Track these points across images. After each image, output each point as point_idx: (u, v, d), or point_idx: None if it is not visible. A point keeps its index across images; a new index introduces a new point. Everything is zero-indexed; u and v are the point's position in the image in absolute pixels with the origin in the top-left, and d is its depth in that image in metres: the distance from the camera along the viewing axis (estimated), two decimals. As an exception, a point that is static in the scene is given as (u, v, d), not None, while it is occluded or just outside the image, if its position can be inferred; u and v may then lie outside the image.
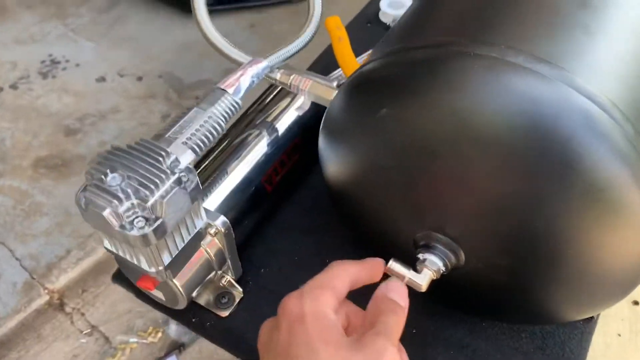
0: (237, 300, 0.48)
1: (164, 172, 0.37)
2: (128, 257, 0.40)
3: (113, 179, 0.36)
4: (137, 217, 0.36)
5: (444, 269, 0.36)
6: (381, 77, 0.37)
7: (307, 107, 0.52)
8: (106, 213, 0.35)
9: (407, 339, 0.33)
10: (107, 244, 0.41)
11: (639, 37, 0.36)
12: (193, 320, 0.48)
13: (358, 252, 0.39)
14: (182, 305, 0.45)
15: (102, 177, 0.36)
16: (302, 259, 0.51)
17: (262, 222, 0.52)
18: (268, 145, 0.51)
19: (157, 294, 0.46)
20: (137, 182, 0.36)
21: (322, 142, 0.43)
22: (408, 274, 0.35)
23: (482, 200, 0.34)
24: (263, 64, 0.47)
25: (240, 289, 0.48)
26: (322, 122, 0.42)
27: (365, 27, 0.80)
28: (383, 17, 0.77)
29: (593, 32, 0.34)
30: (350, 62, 0.57)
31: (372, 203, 0.41)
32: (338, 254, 0.38)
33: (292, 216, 0.54)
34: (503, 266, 0.37)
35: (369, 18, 0.80)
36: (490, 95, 0.32)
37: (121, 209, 0.35)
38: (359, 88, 0.39)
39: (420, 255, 0.36)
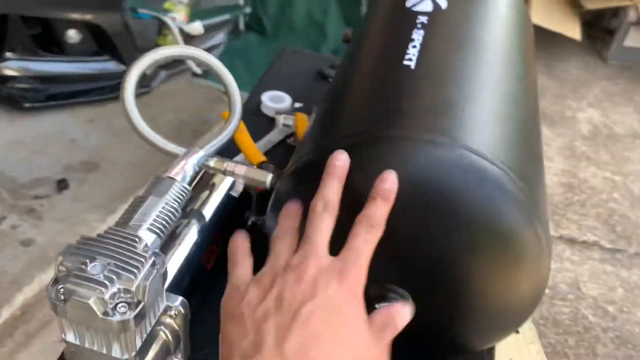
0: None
1: (141, 256, 0.39)
2: (98, 348, 0.40)
3: (94, 267, 0.37)
4: (120, 303, 0.38)
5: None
6: (322, 163, 0.45)
7: (240, 190, 0.57)
8: (92, 301, 0.36)
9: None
10: (70, 337, 0.40)
11: (514, 103, 0.49)
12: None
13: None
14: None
15: (82, 266, 0.37)
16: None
17: (202, 302, 0.54)
18: (199, 231, 0.54)
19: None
20: (118, 267, 0.38)
21: (270, 220, 0.48)
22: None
23: (412, 253, 0.43)
24: (200, 153, 0.52)
25: (190, 374, 0.49)
26: (270, 203, 0.48)
27: (250, 119, 0.88)
28: (265, 110, 0.86)
29: (479, 103, 0.47)
30: (251, 149, 0.64)
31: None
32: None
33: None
34: (432, 305, 0.45)
35: (252, 110, 0.89)
36: (406, 166, 0.41)
37: (107, 296, 0.37)
38: (303, 174, 0.46)
39: (377, 305, 0.43)
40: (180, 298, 0.46)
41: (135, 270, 0.38)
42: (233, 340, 0.36)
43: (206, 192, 0.58)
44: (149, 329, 0.42)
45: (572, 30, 2.78)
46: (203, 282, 0.53)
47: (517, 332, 0.63)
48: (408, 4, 0.60)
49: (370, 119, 0.46)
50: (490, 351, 0.55)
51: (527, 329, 0.61)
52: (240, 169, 0.53)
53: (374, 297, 0.44)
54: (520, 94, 0.53)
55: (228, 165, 0.53)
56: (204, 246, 0.54)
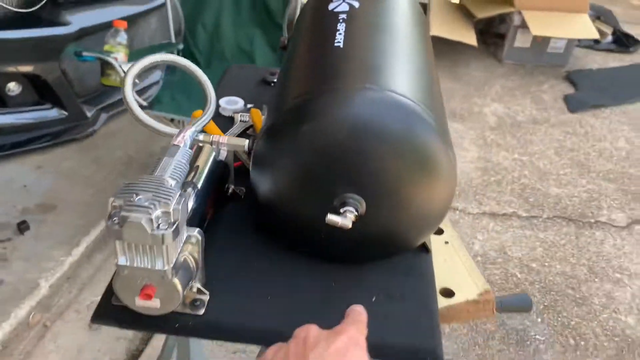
0: (206, 301, 0.64)
1: (172, 189, 0.54)
2: (144, 264, 0.55)
3: (139, 200, 0.52)
4: (161, 223, 0.53)
5: (357, 212, 0.60)
6: (291, 118, 0.62)
7: (224, 156, 0.72)
8: (144, 221, 0.51)
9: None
10: (122, 260, 0.55)
11: (420, 63, 0.69)
12: (177, 325, 0.62)
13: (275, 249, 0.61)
14: (176, 303, 0.59)
15: (130, 199, 0.52)
16: (242, 261, 0.69)
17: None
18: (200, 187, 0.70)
19: (152, 304, 0.59)
20: (156, 198, 0.53)
21: (254, 173, 0.64)
22: (339, 218, 0.58)
23: (362, 171, 0.60)
24: (192, 128, 0.68)
25: (207, 293, 0.64)
26: (251, 161, 0.64)
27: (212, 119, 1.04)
28: (223, 112, 1.02)
29: (395, 64, 0.66)
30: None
31: (297, 198, 0.64)
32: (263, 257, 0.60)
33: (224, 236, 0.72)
34: (380, 211, 0.62)
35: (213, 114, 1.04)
36: (348, 106, 0.59)
37: (153, 216, 0.52)
38: (269, 134, 0.63)
39: (342, 209, 0.60)
40: (197, 229, 0.61)
41: (170, 198, 0.53)
42: None
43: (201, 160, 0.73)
44: (181, 245, 0.57)
45: (469, 38, 3.13)
46: (206, 228, 0.68)
47: (447, 242, 0.82)
48: (330, 7, 0.80)
49: (315, 82, 0.64)
50: (428, 252, 0.73)
51: (455, 240, 0.80)
52: (224, 139, 0.69)
53: (338, 205, 0.61)
54: (422, 58, 0.73)
55: (213, 137, 0.69)
56: (205, 197, 0.69)
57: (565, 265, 1.89)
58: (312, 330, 0.44)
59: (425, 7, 3.31)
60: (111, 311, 0.62)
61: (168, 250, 0.54)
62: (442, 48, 3.26)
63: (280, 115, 0.64)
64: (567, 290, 1.80)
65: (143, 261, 0.55)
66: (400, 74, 0.66)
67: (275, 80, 1.09)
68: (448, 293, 0.73)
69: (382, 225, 0.64)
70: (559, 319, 1.69)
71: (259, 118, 0.92)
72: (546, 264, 1.89)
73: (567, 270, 1.87)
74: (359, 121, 0.59)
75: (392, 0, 0.84)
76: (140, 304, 0.58)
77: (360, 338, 0.45)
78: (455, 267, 0.76)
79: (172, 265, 0.55)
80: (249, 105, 1.00)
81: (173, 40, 1.91)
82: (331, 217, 0.58)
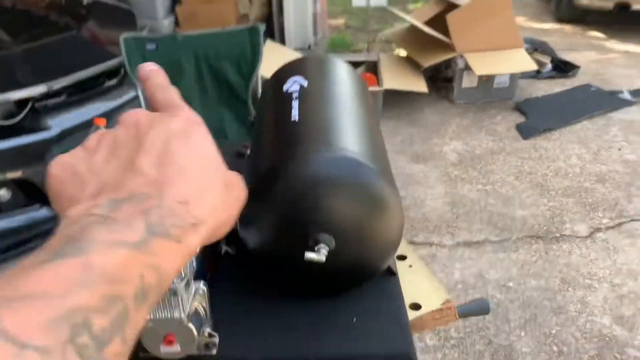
0: (217, 342, 0.76)
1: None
2: (163, 315, 0.68)
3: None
4: (175, 279, 0.66)
5: (328, 248, 0.75)
6: (266, 181, 0.77)
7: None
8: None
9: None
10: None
11: (363, 125, 0.85)
12: (196, 365, 0.74)
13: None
14: (193, 346, 0.72)
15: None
16: (241, 304, 0.83)
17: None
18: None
19: (174, 349, 0.72)
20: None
21: (242, 231, 0.79)
22: (315, 255, 0.72)
23: (327, 214, 0.76)
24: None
25: (217, 335, 0.77)
26: (238, 221, 0.79)
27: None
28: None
29: (343, 128, 0.82)
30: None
31: (279, 244, 0.78)
32: (258, 298, 0.74)
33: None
34: (347, 244, 0.77)
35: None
36: (309, 166, 0.75)
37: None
38: (255, 191, 0.78)
39: (316, 247, 0.74)
40: (202, 281, 0.74)
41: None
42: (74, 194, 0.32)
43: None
44: (192, 296, 0.70)
45: (420, 86, 3.38)
46: (209, 282, 0.82)
47: (411, 266, 0.96)
48: (284, 89, 0.97)
49: (281, 150, 0.80)
50: (394, 275, 0.87)
51: (417, 262, 0.94)
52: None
53: (313, 244, 0.75)
54: (364, 119, 0.90)
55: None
56: (203, 256, 0.83)
57: (540, 279, 2.04)
58: (141, 114, 0.35)
59: (375, 65, 3.59)
60: (139, 363, 0.74)
61: (182, 301, 0.68)
62: (397, 98, 3.51)
63: (257, 180, 0.79)
64: (544, 302, 1.94)
65: (163, 313, 0.68)
66: (347, 135, 0.83)
67: (249, 151, 1.25)
68: (416, 306, 0.87)
69: (350, 256, 0.79)
70: (541, 329, 1.82)
71: (239, 186, 1.07)
72: (522, 281, 2.03)
73: (541, 284, 2.01)
74: (319, 177, 0.74)
75: (335, 75, 1.02)
76: (164, 350, 0.71)
77: (197, 117, 0.36)
78: (420, 285, 0.90)
79: (186, 313, 0.69)
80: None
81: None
82: (308, 255, 0.73)
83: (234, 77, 2.15)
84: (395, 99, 3.52)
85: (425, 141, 3.12)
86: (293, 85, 0.97)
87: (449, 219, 2.41)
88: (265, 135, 0.92)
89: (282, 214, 0.76)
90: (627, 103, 3.49)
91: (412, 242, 2.25)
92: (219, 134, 2.12)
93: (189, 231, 0.30)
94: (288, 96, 0.94)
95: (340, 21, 5.80)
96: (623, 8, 4.76)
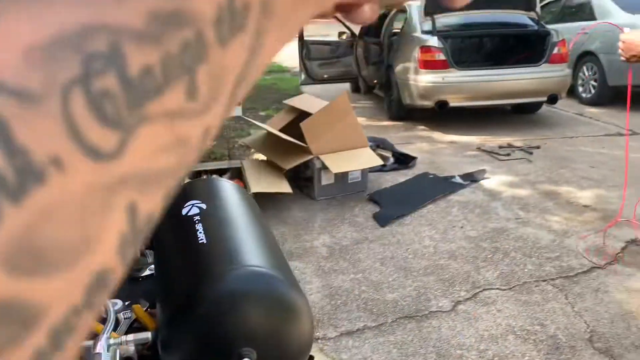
0: None
1: None
2: None
3: None
4: None
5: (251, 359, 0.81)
6: (184, 307, 0.83)
7: (131, 352, 0.88)
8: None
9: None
10: None
11: (261, 239, 0.95)
12: None
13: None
14: None
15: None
16: None
17: None
18: None
19: None
20: None
21: (164, 356, 0.82)
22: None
23: (248, 327, 0.83)
24: (104, 335, 0.83)
25: None
26: (160, 348, 0.82)
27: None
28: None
29: (245, 244, 0.91)
30: None
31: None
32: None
33: None
34: (268, 351, 0.84)
35: None
36: (221, 283, 0.83)
37: None
38: (175, 317, 0.83)
39: (242, 361, 0.80)
40: None
41: None
42: None
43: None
44: None
45: (284, 187, 3.59)
46: None
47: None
48: (184, 212, 1.05)
49: (195, 273, 0.87)
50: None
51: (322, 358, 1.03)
52: (130, 337, 0.86)
53: (237, 356, 0.81)
54: (261, 232, 1.00)
55: (122, 338, 0.86)
56: None
57: (418, 357, 2.20)
58: None
59: (240, 171, 3.75)
60: None
61: None
62: (265, 200, 3.66)
63: (174, 306, 0.84)
64: (426, 377, 2.09)
65: None
66: (251, 250, 0.92)
67: (142, 274, 1.27)
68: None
69: (272, 363, 0.86)
70: (428, 404, 1.96)
71: (142, 312, 1.08)
72: (403, 361, 2.18)
73: (420, 360, 2.18)
74: (236, 294, 0.82)
75: (228, 196, 1.12)
76: None
77: None
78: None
79: None
80: (126, 303, 1.16)
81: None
82: (234, 370, 0.78)
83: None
84: (263, 201, 3.66)
85: (296, 238, 3.27)
86: (192, 209, 1.05)
87: (329, 311, 2.52)
88: (173, 259, 0.97)
89: (204, 334, 0.81)
90: (460, 186, 4.02)
91: (298, 340, 2.31)
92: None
93: None
94: (190, 220, 1.02)
95: (195, 129, 5.94)
96: (442, 105, 5.57)
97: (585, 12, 6.88)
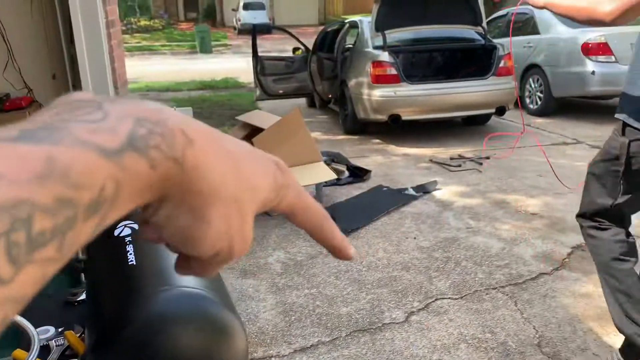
0: None
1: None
2: None
3: None
4: None
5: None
6: (111, 330, 0.80)
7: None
8: None
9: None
10: None
11: None
12: None
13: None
14: None
15: None
16: None
17: None
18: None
19: None
20: None
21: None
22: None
23: (182, 351, 0.80)
24: (24, 368, 0.80)
25: None
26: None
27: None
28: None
29: None
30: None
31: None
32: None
33: None
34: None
35: None
36: (153, 306, 0.81)
37: None
38: (101, 341, 0.80)
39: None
40: None
41: None
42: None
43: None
44: None
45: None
46: None
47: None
48: (115, 233, 1.02)
49: (124, 296, 0.84)
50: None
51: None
52: (54, 366, 0.82)
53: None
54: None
55: None
56: None
57: (372, 370, 2.20)
58: None
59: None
60: None
61: None
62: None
63: (103, 328, 0.81)
64: (380, 390, 2.09)
65: None
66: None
67: (77, 299, 1.22)
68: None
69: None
70: (381, 417, 1.95)
71: (75, 338, 1.04)
72: (357, 375, 2.18)
73: (374, 373, 2.18)
74: (166, 316, 0.80)
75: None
76: None
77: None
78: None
79: None
80: (60, 329, 1.11)
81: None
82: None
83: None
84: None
85: (250, 255, 3.24)
86: (124, 229, 1.02)
87: (283, 328, 2.50)
88: (103, 281, 0.94)
89: (133, 358, 0.79)
90: (413, 198, 4.08)
91: (252, 359, 2.28)
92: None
93: (167, 162, 0.26)
94: (120, 240, 0.99)
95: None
96: (395, 119, 5.66)
97: (529, 27, 7.15)
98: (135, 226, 1.03)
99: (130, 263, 0.90)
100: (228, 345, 0.85)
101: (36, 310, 1.24)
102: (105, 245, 1.03)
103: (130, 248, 0.95)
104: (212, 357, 0.83)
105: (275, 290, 2.84)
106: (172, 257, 0.90)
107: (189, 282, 0.86)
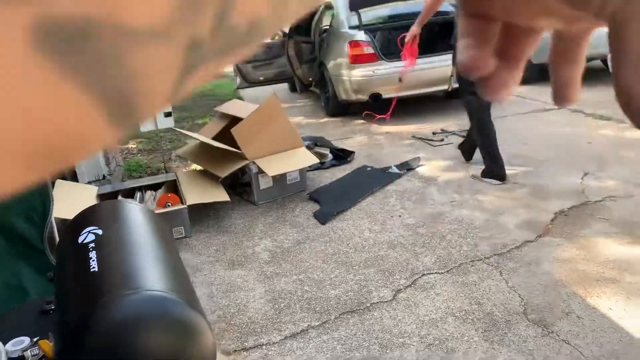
0: None
1: None
2: None
3: None
4: None
5: None
6: (75, 339, 0.81)
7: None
8: None
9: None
10: None
11: (164, 260, 0.94)
12: None
13: None
14: None
15: None
16: None
17: None
18: None
19: None
20: None
21: None
22: None
23: (149, 351, 0.82)
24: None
25: None
26: None
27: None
28: (12, 354, 1.12)
29: (145, 267, 0.90)
30: None
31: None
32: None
33: None
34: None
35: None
36: (119, 311, 0.81)
37: None
38: (65, 350, 0.81)
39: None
40: None
41: None
42: None
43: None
44: None
45: (221, 195, 3.56)
46: None
47: None
48: (80, 240, 1.02)
49: (86, 303, 0.85)
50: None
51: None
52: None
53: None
54: (163, 253, 0.99)
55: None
56: None
57: (362, 350, 2.23)
58: None
59: (175, 184, 3.69)
60: None
61: None
62: (204, 211, 3.63)
63: (66, 336, 0.82)
64: (370, 369, 2.12)
65: None
66: (149, 274, 0.91)
67: (52, 307, 1.23)
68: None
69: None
70: (373, 396, 1.98)
71: (48, 347, 1.05)
72: (347, 357, 2.21)
73: (365, 354, 2.21)
74: (127, 321, 0.81)
75: (130, 218, 1.10)
76: None
77: None
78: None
79: None
80: (35, 339, 1.12)
81: None
82: None
83: (26, 228, 2.06)
84: (202, 212, 3.64)
85: (237, 246, 3.25)
86: (88, 236, 1.03)
87: (273, 315, 2.52)
88: (68, 289, 0.95)
89: (98, 365, 0.80)
90: (396, 176, 4.10)
91: (243, 349, 2.30)
92: (18, 292, 1.97)
93: None
94: (84, 247, 1.00)
95: (132, 145, 5.83)
96: (376, 98, 5.66)
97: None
98: (99, 232, 1.03)
99: (92, 270, 0.91)
100: (195, 345, 0.86)
101: (11, 322, 1.25)
102: (70, 253, 1.04)
103: (92, 254, 0.95)
104: (179, 357, 0.85)
105: (263, 279, 2.86)
106: (135, 260, 0.90)
107: (152, 285, 0.87)
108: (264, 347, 2.31)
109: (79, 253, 1.00)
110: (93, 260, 0.94)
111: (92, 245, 0.99)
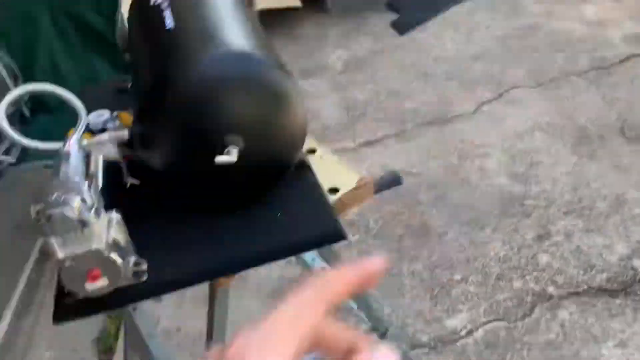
0: (145, 268, 0.74)
1: (80, 182, 0.64)
2: (79, 249, 0.64)
3: (57, 196, 0.62)
4: (82, 210, 0.62)
5: (237, 147, 0.73)
6: (156, 95, 0.73)
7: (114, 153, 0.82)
8: (66, 211, 0.61)
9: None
10: (61, 254, 0.64)
11: (244, 21, 0.82)
12: (128, 295, 0.72)
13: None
14: (120, 276, 0.69)
15: (49, 199, 0.61)
16: (161, 228, 0.80)
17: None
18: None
19: (101, 283, 0.69)
20: (70, 191, 0.62)
21: (142, 154, 0.75)
22: (226, 157, 0.70)
23: (233, 113, 0.73)
24: (75, 135, 0.76)
25: (144, 261, 0.74)
26: (136, 144, 0.75)
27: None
28: (93, 127, 1.09)
29: (226, 28, 0.79)
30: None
31: (186, 157, 0.76)
32: (176, 219, 0.72)
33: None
34: (255, 140, 0.76)
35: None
36: (205, 67, 0.72)
37: (74, 205, 0.61)
38: (146, 107, 0.74)
39: (225, 150, 0.72)
40: (114, 211, 0.71)
41: (81, 189, 0.63)
42: None
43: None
44: (106, 226, 0.67)
45: (293, 1, 3.31)
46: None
47: (322, 157, 0.98)
48: (151, 3, 0.91)
49: (162, 59, 0.76)
50: (307, 166, 0.88)
51: (327, 154, 0.97)
52: (105, 136, 0.79)
53: (220, 148, 0.73)
54: (244, 15, 0.86)
55: (97, 138, 0.79)
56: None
57: (440, 159, 2.16)
58: None
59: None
60: (68, 308, 0.71)
61: (96, 232, 0.64)
62: (274, 18, 3.42)
63: (144, 96, 0.74)
64: (448, 178, 2.07)
65: (80, 247, 0.64)
66: (231, 31, 0.80)
67: (129, 85, 1.17)
68: (335, 190, 0.89)
69: (260, 153, 0.78)
70: (450, 203, 1.96)
71: (127, 119, 1.01)
72: (424, 165, 2.15)
73: (442, 163, 2.14)
74: (210, 78, 0.72)
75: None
76: (90, 287, 0.68)
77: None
78: (333, 172, 0.93)
79: (105, 244, 0.65)
80: (114, 113, 1.08)
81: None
82: (219, 158, 0.71)
83: (97, 20, 1.98)
84: (272, 20, 3.42)
85: (310, 55, 3.10)
86: (159, -4, 0.91)
87: (347, 123, 2.46)
88: (143, 55, 0.86)
89: (179, 124, 0.73)
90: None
91: (317, 153, 2.29)
92: (94, 84, 1.97)
93: None
94: (157, 8, 0.88)
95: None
96: None
97: None
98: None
99: (167, 28, 0.80)
100: (286, 112, 0.77)
101: (90, 97, 1.22)
102: (142, 16, 0.93)
103: (167, 13, 0.84)
104: (269, 123, 0.76)
105: (337, 88, 2.75)
106: (214, 16, 0.78)
107: (240, 42, 0.76)
108: (339, 152, 2.28)
109: (151, 15, 0.89)
110: (168, 18, 0.83)
111: (166, 4, 0.87)
